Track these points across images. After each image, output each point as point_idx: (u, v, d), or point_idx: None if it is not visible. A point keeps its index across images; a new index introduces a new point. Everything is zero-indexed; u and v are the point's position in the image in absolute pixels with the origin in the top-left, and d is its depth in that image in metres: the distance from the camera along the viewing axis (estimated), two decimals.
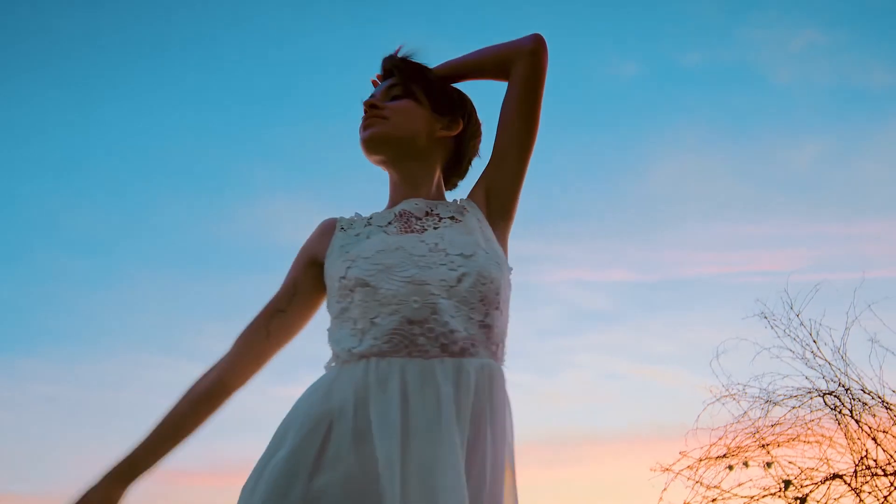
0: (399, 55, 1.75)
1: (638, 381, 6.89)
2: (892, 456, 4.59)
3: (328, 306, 1.57)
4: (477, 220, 1.59)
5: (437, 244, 1.49)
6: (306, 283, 1.65)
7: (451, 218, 1.59)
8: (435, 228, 1.56)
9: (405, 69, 1.71)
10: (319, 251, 1.64)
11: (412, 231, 1.56)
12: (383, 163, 1.69)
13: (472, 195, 1.68)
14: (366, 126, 1.65)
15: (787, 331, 4.92)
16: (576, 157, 6.40)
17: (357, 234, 1.59)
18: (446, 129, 1.68)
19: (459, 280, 1.43)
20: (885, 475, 4.55)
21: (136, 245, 6.46)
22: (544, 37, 1.65)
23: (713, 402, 5.02)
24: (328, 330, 1.54)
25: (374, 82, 1.81)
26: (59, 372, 6.53)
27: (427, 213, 1.60)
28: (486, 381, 1.39)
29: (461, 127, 1.70)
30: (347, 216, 1.69)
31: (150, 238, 6.46)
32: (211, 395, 1.61)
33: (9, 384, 6.48)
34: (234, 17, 5.89)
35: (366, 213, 1.68)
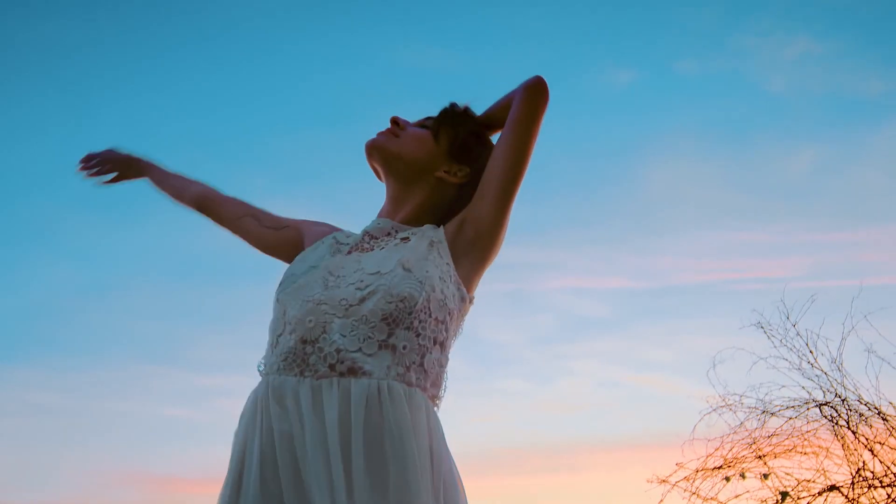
0: (456, 105, 1.77)
1: (634, 388, 6.90)
2: (888, 468, 4.59)
3: None
4: (429, 242, 1.57)
5: (360, 262, 1.53)
6: (282, 237, 1.82)
7: (404, 238, 1.59)
8: (380, 249, 1.57)
9: (446, 112, 1.74)
10: (302, 241, 1.78)
11: (361, 250, 1.59)
12: (376, 172, 1.74)
13: (449, 223, 1.65)
14: (377, 134, 1.71)
15: (783, 341, 4.92)
16: (571, 165, 6.40)
17: (314, 249, 1.67)
18: (448, 174, 1.67)
19: (362, 300, 1.44)
20: (882, 486, 4.55)
21: (133, 254, 6.44)
22: (545, 79, 1.65)
23: (710, 413, 5.01)
24: None
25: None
26: (54, 381, 6.52)
27: (387, 234, 1.63)
28: (378, 403, 1.36)
29: (465, 178, 1.68)
30: (350, 232, 1.73)
31: (147, 247, 6.44)
32: (192, 199, 1.99)
33: (4, 393, 6.48)
34: (232, 24, 5.87)
35: (363, 224, 1.71)
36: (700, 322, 6.59)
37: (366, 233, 1.66)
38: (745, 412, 4.96)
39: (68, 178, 6.28)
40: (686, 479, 4.94)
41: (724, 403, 4.99)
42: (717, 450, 4.95)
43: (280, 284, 1.58)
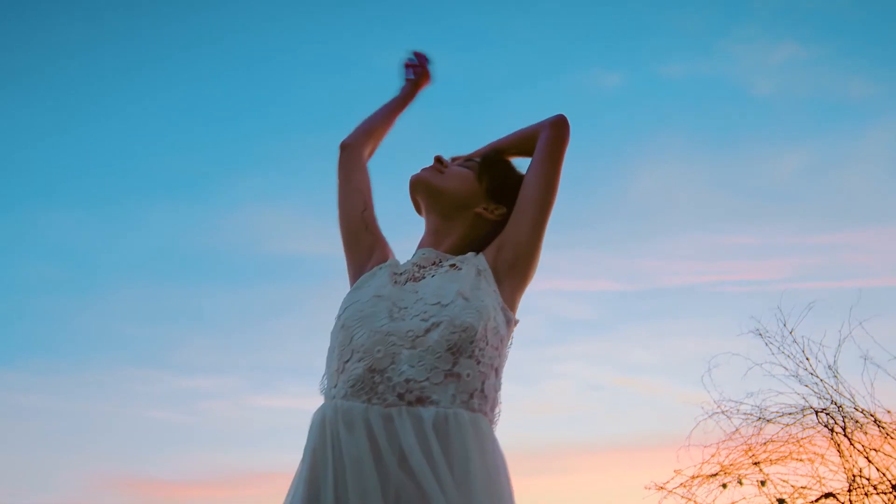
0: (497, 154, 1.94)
1: (622, 391, 6.90)
2: (884, 474, 4.63)
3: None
4: (476, 269, 1.67)
5: (418, 293, 1.61)
6: (365, 238, 1.84)
7: (453, 266, 1.69)
8: (431, 277, 1.66)
9: (489, 159, 1.89)
10: (371, 255, 1.82)
11: (414, 280, 1.67)
12: (416, 205, 1.88)
13: (486, 249, 1.77)
14: (422, 170, 1.85)
15: (781, 347, 4.93)
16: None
17: (373, 275, 1.73)
18: (487, 211, 1.80)
19: (427, 331, 1.52)
20: (878, 493, 4.59)
21: (120, 256, 6.33)
22: (567, 117, 1.84)
23: (705, 419, 5.01)
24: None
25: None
26: (39, 383, 6.42)
27: (433, 263, 1.72)
28: (445, 430, 1.44)
29: (501, 217, 1.81)
30: (401, 262, 1.79)
31: (134, 249, 6.34)
32: (367, 142, 1.99)
33: None
34: (221, 29, 5.74)
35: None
36: (687, 325, 6.62)
37: (414, 264, 1.74)
38: (741, 418, 4.97)
39: (53, 179, 6.14)
40: (682, 485, 4.94)
41: (718, 409, 5.00)
42: (713, 456, 4.96)
43: (345, 310, 1.64)
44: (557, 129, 1.80)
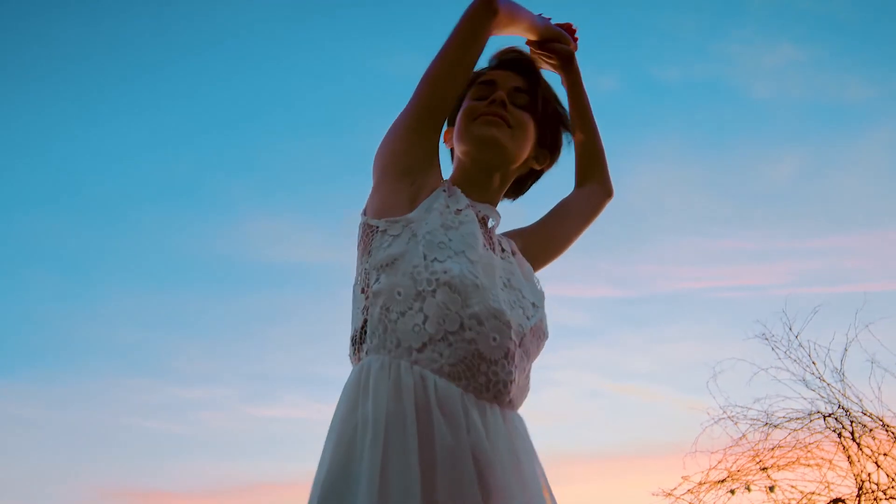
0: (530, 60, 1.71)
1: (618, 397, 6.83)
2: (893, 479, 4.59)
3: (377, 246, 1.40)
4: (525, 265, 1.57)
5: (510, 281, 1.44)
6: (426, 147, 1.50)
7: (511, 252, 1.55)
8: (502, 259, 1.49)
9: (542, 85, 1.66)
10: (426, 167, 1.49)
11: (493, 249, 1.48)
12: (474, 157, 1.56)
13: (513, 235, 1.66)
14: (492, 122, 1.53)
15: (787, 352, 4.88)
16: (552, 172, 6.29)
17: (456, 215, 1.44)
18: (536, 162, 1.66)
19: (532, 331, 1.40)
20: (887, 499, 4.54)
21: (113, 263, 6.21)
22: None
23: (711, 424, 4.94)
24: (373, 290, 1.36)
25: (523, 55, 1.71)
26: (36, 393, 6.30)
27: (481, 221, 1.53)
28: (524, 433, 1.36)
29: (547, 167, 1.70)
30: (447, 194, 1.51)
31: (127, 256, 6.22)
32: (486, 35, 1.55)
33: None
34: (214, 36, 5.63)
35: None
36: (684, 330, 6.56)
37: (483, 219, 1.52)
38: (748, 423, 4.91)
39: (47, 187, 6.00)
40: (690, 491, 4.87)
41: (725, 415, 4.93)
42: (720, 462, 4.89)
43: (452, 259, 1.35)
44: (606, 201, 1.82)
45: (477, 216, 1.49)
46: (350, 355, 1.41)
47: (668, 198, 6.64)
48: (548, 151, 1.68)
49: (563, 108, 1.72)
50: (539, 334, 1.42)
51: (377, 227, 1.42)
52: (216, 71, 5.77)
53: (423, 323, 1.30)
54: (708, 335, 6.65)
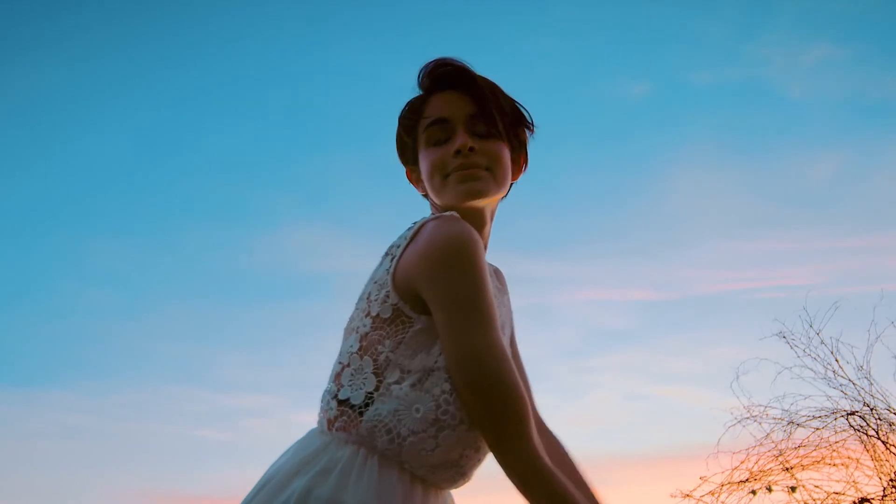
0: (470, 72, 1.44)
1: (659, 400, 6.79)
2: None
3: (411, 343, 1.24)
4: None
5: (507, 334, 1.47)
6: None
7: (501, 292, 1.53)
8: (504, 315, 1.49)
9: (491, 97, 1.42)
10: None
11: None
12: (462, 209, 1.41)
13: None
14: (468, 175, 1.37)
15: (807, 350, 4.82)
16: (590, 179, 6.35)
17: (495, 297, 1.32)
18: (514, 176, 1.51)
19: None
20: None
21: (160, 277, 6.54)
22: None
23: (734, 424, 4.91)
24: (390, 386, 1.22)
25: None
26: (87, 403, 6.64)
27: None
28: None
29: (523, 169, 1.53)
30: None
31: (173, 270, 6.55)
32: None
33: (37, 416, 6.62)
34: (256, 48, 5.92)
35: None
36: (722, 332, 6.49)
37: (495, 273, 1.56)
38: (771, 423, 4.86)
39: (95, 202, 6.40)
40: (711, 493, 4.84)
41: (748, 415, 4.89)
42: (742, 462, 4.84)
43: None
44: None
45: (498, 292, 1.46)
46: (328, 406, 1.28)
47: (704, 201, 6.61)
48: (520, 157, 1.51)
49: (514, 103, 1.48)
50: None
51: (414, 321, 1.24)
52: (262, 85, 6.05)
53: (433, 450, 1.20)
54: (747, 337, 6.56)
